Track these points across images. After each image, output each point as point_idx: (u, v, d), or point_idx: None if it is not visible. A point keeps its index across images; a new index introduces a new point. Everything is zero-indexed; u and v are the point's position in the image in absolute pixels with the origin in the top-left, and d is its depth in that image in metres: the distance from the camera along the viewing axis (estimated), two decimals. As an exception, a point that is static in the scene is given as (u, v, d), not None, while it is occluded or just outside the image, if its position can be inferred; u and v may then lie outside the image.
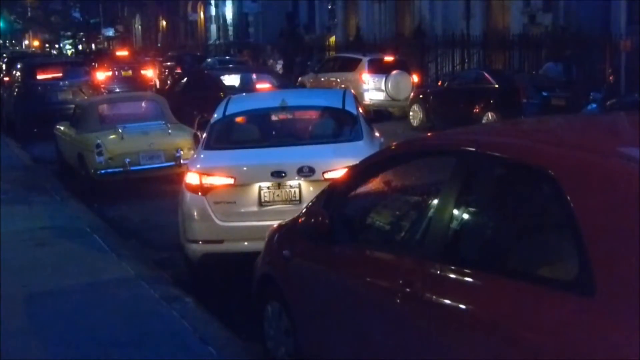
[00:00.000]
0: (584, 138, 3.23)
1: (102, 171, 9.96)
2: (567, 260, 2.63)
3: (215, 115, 7.16)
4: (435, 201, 3.34)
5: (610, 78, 13.99)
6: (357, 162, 6.15)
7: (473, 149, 3.26)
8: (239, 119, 7.22)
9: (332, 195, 4.13)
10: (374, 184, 3.88)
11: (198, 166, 6.45)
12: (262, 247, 5.68)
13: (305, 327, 4.18)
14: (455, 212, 3.18)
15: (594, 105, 12.61)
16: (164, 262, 7.04)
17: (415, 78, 18.44)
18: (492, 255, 3.06)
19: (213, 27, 43.69)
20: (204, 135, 6.98)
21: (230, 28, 41.18)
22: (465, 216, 3.20)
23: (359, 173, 4.07)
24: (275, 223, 5.95)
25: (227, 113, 7.10)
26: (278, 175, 6.14)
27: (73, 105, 13.02)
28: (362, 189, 3.94)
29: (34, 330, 5.17)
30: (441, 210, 3.24)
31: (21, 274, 6.34)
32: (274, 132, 6.78)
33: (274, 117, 7.21)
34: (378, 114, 16.55)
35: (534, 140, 3.23)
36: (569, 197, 2.62)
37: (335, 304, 3.89)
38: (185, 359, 4.67)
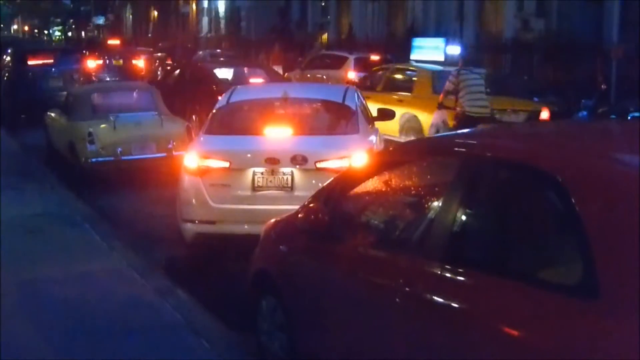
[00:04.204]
0: (590, 143, 3.27)
1: (93, 160, 9.93)
2: (571, 264, 2.65)
3: (219, 103, 7.51)
4: (439, 202, 3.35)
5: (602, 86, 14.09)
6: (350, 154, 6.48)
7: (478, 152, 3.29)
8: (240, 108, 7.50)
9: (332, 192, 4.15)
10: (376, 184, 3.89)
11: (196, 149, 6.77)
12: (252, 230, 5.84)
13: (300, 323, 4.19)
14: (459, 213, 3.20)
15: (585, 113, 12.69)
16: (156, 254, 7.03)
17: None
18: (495, 257, 3.08)
19: (205, 20, 43.53)
20: (207, 121, 7.29)
21: (222, 21, 41.06)
22: (469, 218, 3.22)
23: (362, 172, 4.10)
24: (266, 208, 6.17)
25: (230, 101, 7.44)
26: (272, 162, 6.36)
27: (64, 93, 12.95)
28: (364, 187, 3.95)
29: (25, 318, 5.14)
30: (444, 211, 3.26)
31: (12, 261, 6.30)
32: (272, 122, 6.91)
33: (274, 108, 7.38)
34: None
35: (540, 144, 3.26)
36: (574, 201, 2.65)
37: (333, 301, 3.90)
38: (178, 352, 4.66)
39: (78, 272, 6.11)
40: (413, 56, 18.23)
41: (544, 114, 11.60)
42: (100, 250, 6.79)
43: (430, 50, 18.10)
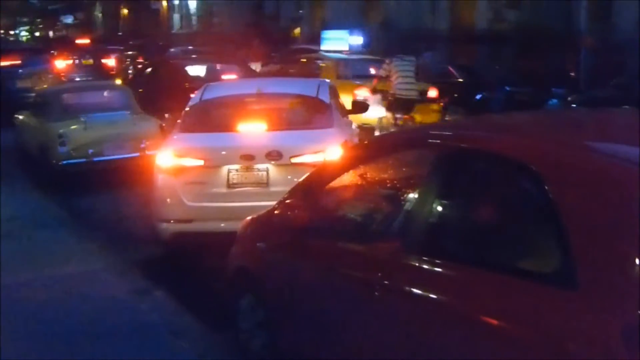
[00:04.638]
0: (565, 133, 3.28)
1: (65, 162, 9.79)
2: (550, 255, 2.66)
3: (192, 101, 7.43)
4: (415, 194, 3.36)
5: (572, 74, 14.22)
6: (325, 148, 6.48)
7: (453, 143, 3.28)
8: (213, 105, 7.44)
9: (309, 187, 4.13)
10: (353, 178, 3.88)
11: (170, 148, 6.70)
12: (229, 228, 5.79)
13: (281, 320, 4.17)
14: (435, 205, 3.20)
15: (555, 101, 12.80)
16: (132, 255, 6.95)
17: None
18: (473, 248, 3.08)
19: (176, 17, 43.20)
20: (180, 119, 7.21)
21: (194, 18, 40.78)
22: (446, 209, 3.22)
23: (338, 166, 4.08)
24: (242, 204, 6.15)
25: (203, 99, 7.38)
26: (247, 158, 6.34)
27: (32, 94, 12.77)
28: (341, 182, 3.93)
29: (1, 323, 5.06)
30: (421, 203, 3.26)
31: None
32: (246, 118, 6.89)
33: (247, 104, 7.35)
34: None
35: (514, 134, 3.26)
36: (551, 191, 2.65)
37: (312, 297, 3.89)
38: (158, 353, 4.62)
39: (54, 275, 6.04)
40: (323, 47, 20.00)
41: (432, 92, 12.99)
42: (75, 252, 6.71)
43: (337, 41, 20.15)
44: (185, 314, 5.30)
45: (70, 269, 6.21)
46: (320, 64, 14.91)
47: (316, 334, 3.88)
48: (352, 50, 18.16)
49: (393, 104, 11.49)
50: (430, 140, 3.52)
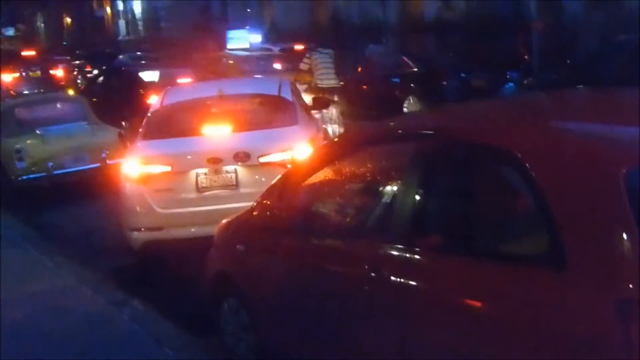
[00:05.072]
0: (539, 117, 3.32)
1: (24, 177, 9.62)
2: (537, 238, 2.67)
3: (152, 107, 7.38)
4: (397, 186, 3.36)
5: (526, 57, 14.43)
6: (292, 145, 6.47)
7: (432, 134, 3.30)
8: (175, 109, 7.35)
9: (286, 186, 4.12)
10: (331, 173, 3.86)
11: (135, 156, 6.63)
12: (201, 232, 5.74)
13: (266, 322, 4.14)
14: (419, 195, 3.20)
15: (512, 85, 13.00)
16: (104, 266, 6.86)
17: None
18: (461, 236, 3.09)
19: (122, 23, 42.63)
20: (142, 126, 7.12)
21: (140, 23, 40.28)
22: (428, 199, 3.22)
23: (314, 161, 4.07)
24: (213, 208, 6.12)
25: (164, 104, 7.30)
26: (214, 161, 6.29)
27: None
28: (319, 178, 3.91)
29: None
30: (404, 194, 3.26)
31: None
32: (210, 121, 6.85)
33: (210, 106, 7.29)
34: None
35: (492, 122, 3.28)
36: (535, 176, 2.67)
37: (297, 296, 3.87)
38: (143, 363, 4.57)
39: (27, 292, 5.91)
40: (229, 45, 22.22)
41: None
42: (46, 268, 6.59)
43: (239, 40, 22.52)
44: (166, 322, 5.23)
45: (44, 285, 6.09)
46: (229, 62, 17.32)
47: (303, 333, 3.86)
48: (252, 47, 20.03)
49: (316, 92, 12.10)
50: (410, 132, 3.53)
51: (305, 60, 12.50)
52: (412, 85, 14.80)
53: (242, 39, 22.09)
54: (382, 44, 19.47)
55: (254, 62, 17.30)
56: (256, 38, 21.81)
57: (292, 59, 15.92)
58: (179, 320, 5.23)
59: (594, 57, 11.91)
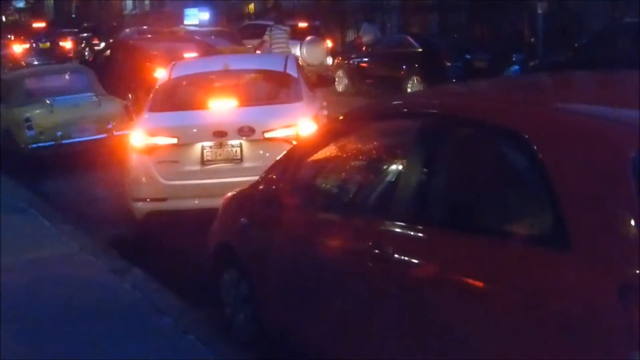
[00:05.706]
0: (544, 96, 3.33)
1: (34, 145, 9.77)
2: (542, 217, 2.67)
3: (160, 80, 7.45)
4: (401, 164, 3.37)
5: (531, 39, 14.37)
6: (297, 122, 6.54)
7: (438, 112, 3.30)
8: (182, 83, 7.44)
9: (292, 161, 4.14)
10: (336, 149, 3.87)
11: (142, 127, 6.72)
12: (204, 205, 5.82)
13: (266, 294, 4.18)
14: (423, 173, 3.20)
15: (517, 67, 12.97)
16: (107, 235, 6.95)
17: (329, 44, 19.41)
18: (467, 214, 3.09)
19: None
20: (149, 98, 7.20)
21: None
22: (434, 177, 3.21)
23: (320, 138, 4.08)
24: (216, 181, 6.22)
25: (172, 77, 7.37)
26: (219, 135, 6.35)
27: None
28: (324, 154, 3.93)
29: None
30: (408, 172, 3.27)
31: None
32: (217, 95, 6.93)
33: (216, 80, 7.39)
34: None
35: (498, 101, 3.27)
36: (541, 156, 2.66)
37: (297, 270, 3.89)
38: (142, 330, 4.63)
39: (30, 259, 6.00)
40: (185, 22, 24.59)
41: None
42: (50, 235, 6.69)
43: (191, 17, 25.37)
44: (167, 291, 5.31)
45: (47, 252, 6.18)
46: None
47: (303, 307, 3.87)
48: (201, 24, 22.10)
49: None
50: (413, 110, 3.53)
51: (267, 33, 15.01)
52: (415, 65, 14.78)
53: (194, 16, 25.34)
54: (374, 24, 19.44)
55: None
56: (204, 16, 25.15)
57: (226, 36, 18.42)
58: (180, 290, 5.31)
59: (600, 39, 11.89)
